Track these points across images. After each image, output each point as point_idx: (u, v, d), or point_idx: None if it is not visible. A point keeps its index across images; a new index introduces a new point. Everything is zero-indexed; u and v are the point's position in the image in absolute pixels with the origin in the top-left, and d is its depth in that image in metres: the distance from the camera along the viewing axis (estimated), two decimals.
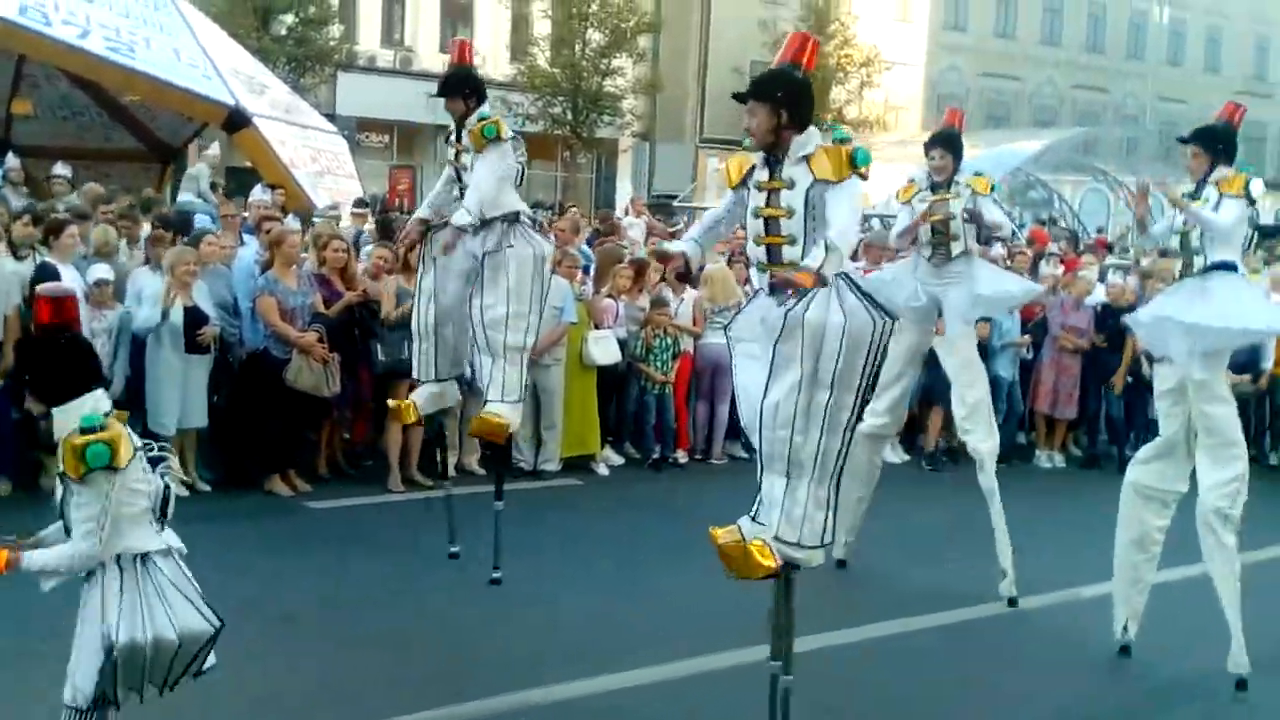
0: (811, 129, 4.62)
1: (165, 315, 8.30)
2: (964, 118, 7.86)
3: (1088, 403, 11.78)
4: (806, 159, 4.53)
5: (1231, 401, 6.11)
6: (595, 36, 29.79)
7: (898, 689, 5.97)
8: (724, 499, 5.15)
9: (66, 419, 3.76)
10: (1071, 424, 11.94)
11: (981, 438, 7.37)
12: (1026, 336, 11.47)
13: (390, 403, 7.52)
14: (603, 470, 10.16)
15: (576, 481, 9.79)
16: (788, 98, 4.59)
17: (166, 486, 3.94)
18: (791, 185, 4.56)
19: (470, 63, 7.02)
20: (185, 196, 11.91)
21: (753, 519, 4.64)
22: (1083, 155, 29.69)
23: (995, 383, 11.36)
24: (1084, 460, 11.81)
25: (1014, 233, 7.75)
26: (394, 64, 30.49)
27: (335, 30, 27.61)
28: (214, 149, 13.38)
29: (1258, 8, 46.16)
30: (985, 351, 11.23)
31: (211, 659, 4.03)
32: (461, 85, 6.72)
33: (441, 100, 6.72)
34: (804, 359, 4.34)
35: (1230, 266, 6.00)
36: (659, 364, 10.27)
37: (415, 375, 7.14)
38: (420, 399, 7.05)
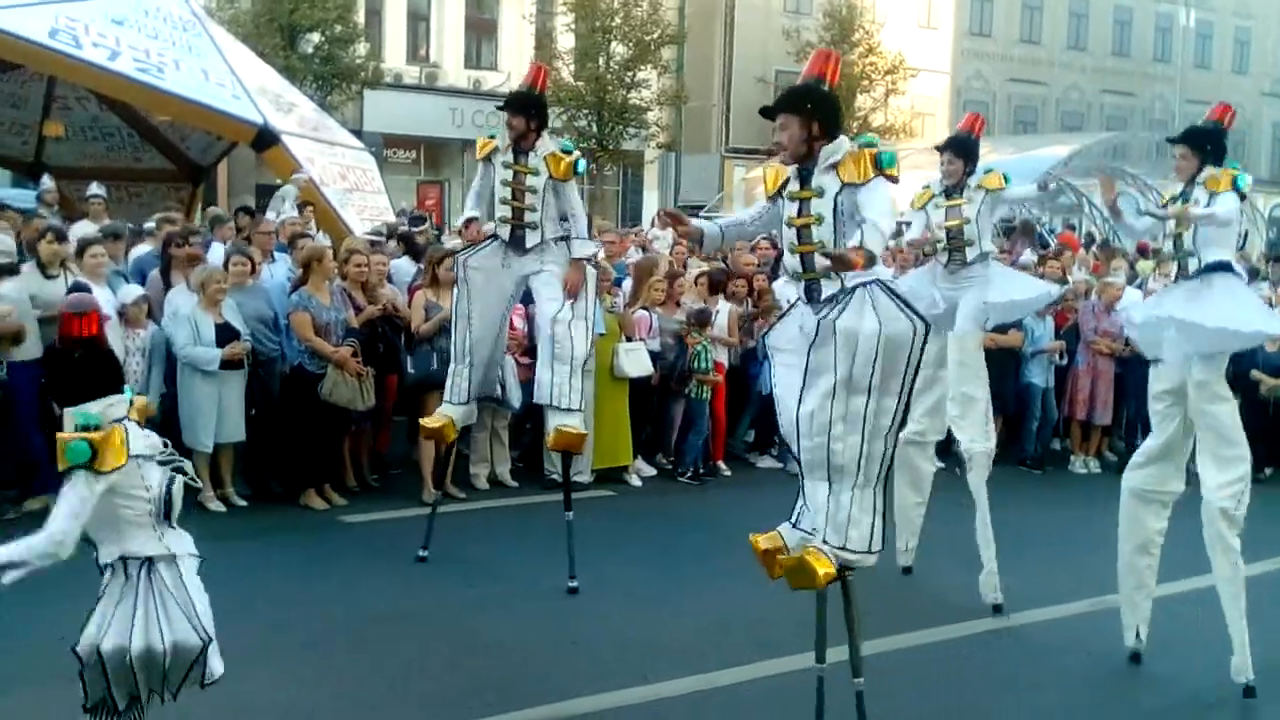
0: (842, 138, 4.67)
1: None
2: (983, 123, 7.73)
3: (1123, 407, 11.70)
4: (835, 166, 4.59)
5: (1232, 401, 6.07)
6: (619, 49, 29.81)
7: (930, 697, 5.94)
8: (758, 508, 5.13)
9: (73, 420, 3.81)
10: (1105, 429, 11.86)
11: (975, 439, 7.27)
12: (1060, 342, 11.42)
13: (427, 423, 7.60)
14: (635, 481, 10.15)
15: (609, 493, 9.78)
16: (818, 109, 4.66)
17: (168, 490, 3.92)
18: (821, 194, 4.62)
19: (544, 89, 7.27)
20: (271, 215, 12.02)
21: (794, 525, 4.65)
22: (1112, 160, 29.51)
23: (1029, 390, 11.36)
24: (1120, 465, 11.70)
25: (1044, 189, 7.61)
26: (420, 80, 30.62)
27: (361, 48, 27.71)
28: (305, 173, 13.48)
29: None
30: (1018, 358, 11.24)
31: (218, 667, 4.01)
32: (529, 105, 7.06)
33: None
34: (837, 366, 4.37)
35: (1226, 266, 5.97)
36: (704, 372, 10.31)
37: (447, 397, 7.39)
38: (452, 416, 7.35)
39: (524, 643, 6.40)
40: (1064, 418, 11.88)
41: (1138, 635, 6.37)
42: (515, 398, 9.22)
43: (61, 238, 8.78)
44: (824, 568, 4.39)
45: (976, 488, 7.21)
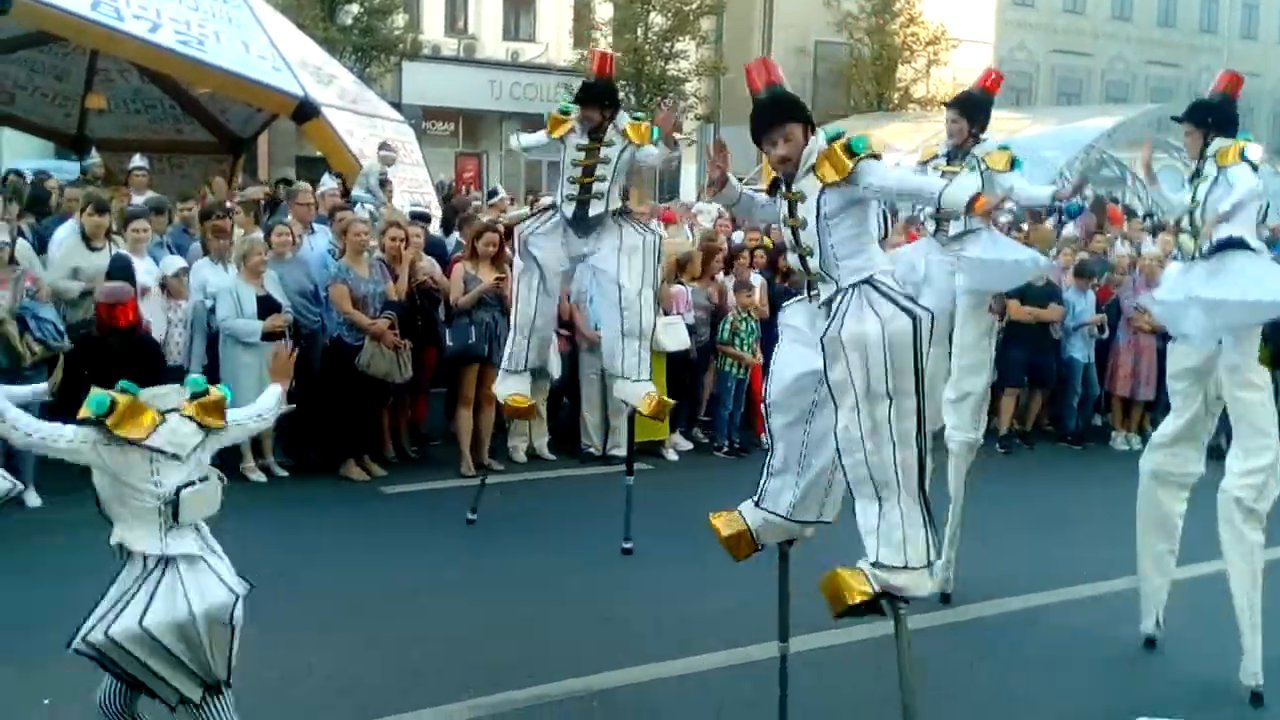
0: (814, 137, 4.47)
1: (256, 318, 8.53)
2: (999, 79, 7.09)
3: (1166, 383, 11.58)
4: (812, 169, 4.40)
5: (1264, 388, 5.82)
6: (658, 20, 29.66)
7: (959, 677, 5.96)
8: None
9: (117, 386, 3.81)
10: (1148, 404, 11.74)
11: (964, 428, 6.94)
12: (1101, 316, 11.31)
13: (503, 397, 7.63)
14: (672, 455, 10.16)
15: (646, 466, 9.78)
16: (808, 114, 4.54)
17: (177, 493, 3.81)
18: (803, 198, 4.45)
19: (611, 74, 7.34)
20: (358, 191, 12.15)
21: (757, 504, 4.73)
22: (1156, 132, 29.11)
23: (1070, 364, 11.28)
24: None
25: (1055, 205, 6.80)
26: (458, 52, 30.58)
27: (400, 20, 27.72)
28: (394, 150, 13.65)
29: None
30: (1061, 333, 11.15)
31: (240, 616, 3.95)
32: (603, 96, 7.13)
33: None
34: (853, 378, 4.26)
35: (1241, 243, 5.73)
36: (745, 347, 10.25)
37: (506, 365, 7.52)
38: (511, 387, 7.46)
39: (561, 614, 6.44)
40: (1105, 393, 11.79)
41: (1157, 622, 6.31)
42: (555, 368, 9.27)
43: (102, 210, 8.85)
44: (860, 589, 4.24)
45: (955, 477, 6.96)
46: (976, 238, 6.75)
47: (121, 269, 8.45)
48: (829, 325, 4.33)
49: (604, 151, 7.11)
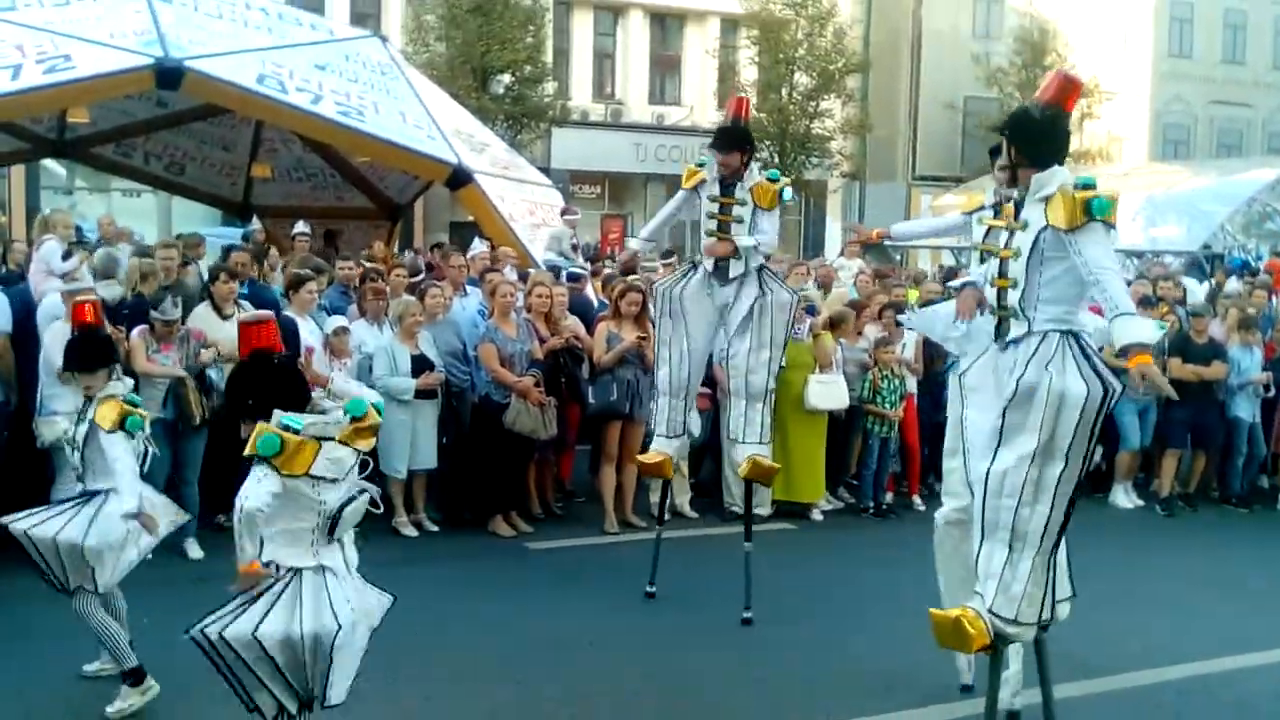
0: (1057, 169, 4.46)
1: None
2: None
3: None
4: (1046, 200, 4.38)
5: None
6: (803, 80, 29.78)
7: None
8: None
9: (278, 418, 4.02)
10: None
11: None
12: (1266, 374, 10.84)
13: (644, 459, 7.66)
14: (817, 516, 10.03)
15: (790, 526, 9.70)
16: (1018, 134, 4.56)
17: (341, 508, 4.10)
18: (1025, 227, 4.45)
19: (747, 119, 7.33)
20: (549, 255, 12.61)
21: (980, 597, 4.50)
22: None
23: (1235, 424, 10.83)
24: None
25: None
26: (605, 117, 31.19)
27: (549, 87, 28.40)
28: (576, 213, 14.12)
29: None
30: (1224, 390, 10.72)
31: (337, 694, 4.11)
32: (742, 141, 7.10)
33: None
34: (1042, 429, 4.19)
35: None
36: (888, 405, 10.10)
37: (660, 431, 7.45)
38: (668, 451, 7.41)
39: (705, 674, 6.40)
40: (1272, 454, 11.28)
41: None
42: (695, 426, 9.25)
43: (234, 276, 9.09)
44: (977, 636, 4.21)
45: None
46: None
47: (284, 330, 8.78)
48: (1026, 368, 4.28)
49: (736, 210, 7.01)
